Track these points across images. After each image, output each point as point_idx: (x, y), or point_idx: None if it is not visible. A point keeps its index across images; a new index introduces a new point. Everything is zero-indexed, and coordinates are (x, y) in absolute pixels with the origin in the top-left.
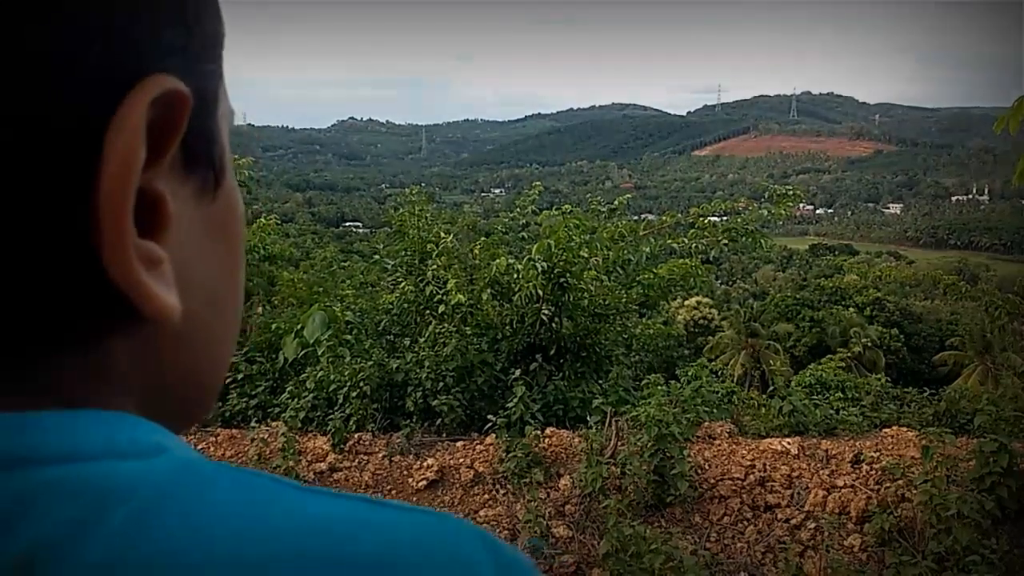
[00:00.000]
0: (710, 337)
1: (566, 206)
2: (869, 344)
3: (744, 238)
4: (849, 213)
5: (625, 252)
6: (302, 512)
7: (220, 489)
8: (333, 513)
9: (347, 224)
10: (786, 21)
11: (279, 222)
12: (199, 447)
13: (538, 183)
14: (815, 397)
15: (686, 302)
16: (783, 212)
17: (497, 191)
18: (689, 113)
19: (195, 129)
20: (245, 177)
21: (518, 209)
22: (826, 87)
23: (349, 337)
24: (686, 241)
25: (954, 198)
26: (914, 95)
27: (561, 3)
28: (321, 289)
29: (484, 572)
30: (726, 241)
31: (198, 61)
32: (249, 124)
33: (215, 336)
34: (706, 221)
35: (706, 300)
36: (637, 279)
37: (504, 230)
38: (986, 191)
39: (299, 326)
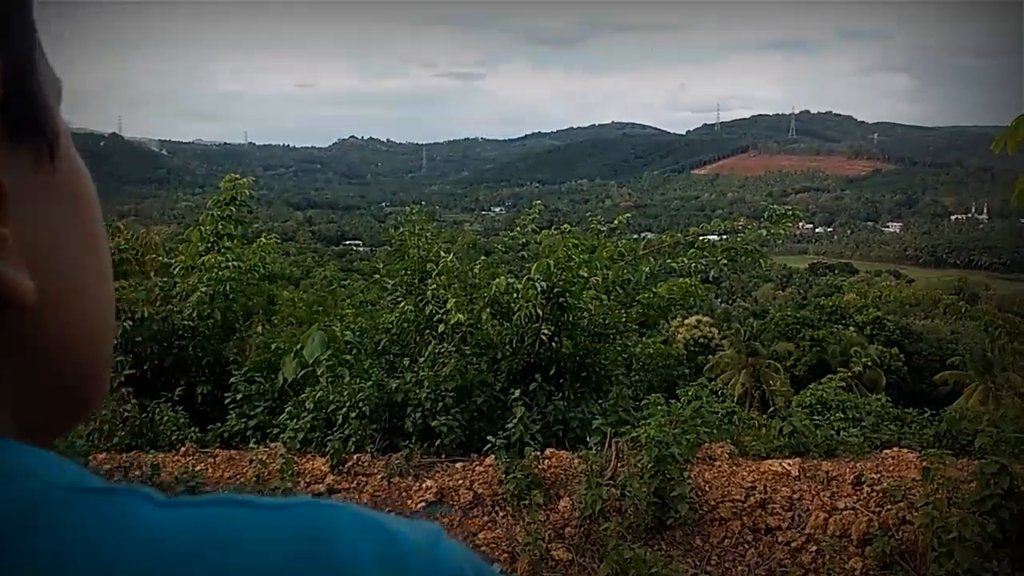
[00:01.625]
0: (710, 356)
1: (564, 225)
2: (869, 364)
3: (743, 257)
4: (849, 232)
5: (625, 271)
6: (158, 528)
7: (78, 514)
8: (184, 527)
9: (347, 242)
10: (784, 42)
11: (279, 240)
12: (198, 468)
13: (538, 202)
14: (816, 417)
15: (686, 321)
16: (782, 232)
17: (497, 209)
18: (688, 132)
19: (14, 96)
20: (246, 196)
21: (518, 228)
22: (824, 106)
23: (348, 357)
24: (685, 261)
25: (953, 217)
26: (912, 114)
27: (561, 24)
28: (320, 308)
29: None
30: (725, 261)
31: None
32: (251, 143)
33: (83, 312)
34: (705, 240)
35: (706, 319)
36: (637, 298)
37: (504, 249)
38: (985, 210)
39: (298, 346)
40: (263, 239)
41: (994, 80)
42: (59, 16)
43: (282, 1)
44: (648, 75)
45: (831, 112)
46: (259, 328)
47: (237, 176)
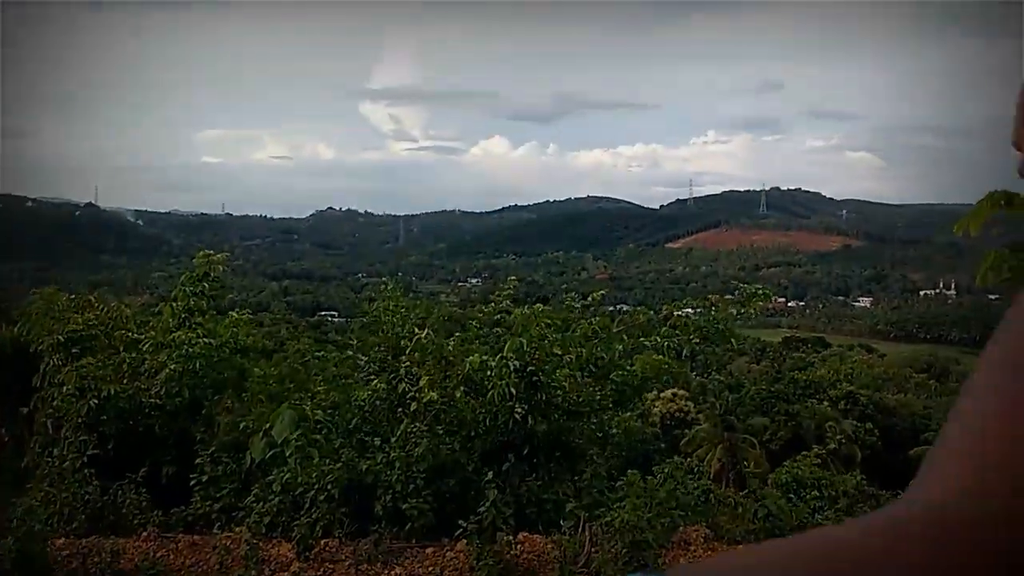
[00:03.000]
0: (686, 430)
1: (537, 306)
2: (844, 440)
3: (716, 336)
4: (820, 306)
5: (598, 349)
6: None
7: None
8: None
9: (322, 313)
10: (753, 121)
11: (252, 314)
12: (159, 555)
13: (513, 278)
14: (791, 495)
15: (662, 394)
16: (752, 311)
17: (474, 281)
18: (662, 207)
19: None
20: (219, 272)
21: (493, 304)
22: (793, 183)
23: (318, 437)
24: (659, 339)
25: (922, 292)
26: (879, 192)
27: (537, 100)
28: (292, 384)
29: None
30: (698, 339)
31: None
32: (228, 213)
33: None
34: (679, 318)
35: (682, 392)
36: (611, 376)
37: (479, 325)
38: (953, 286)
39: (267, 425)
40: (235, 314)
41: (957, 161)
42: (37, 85)
43: (264, 76)
44: (622, 150)
45: (800, 189)
46: (229, 403)
47: (211, 252)
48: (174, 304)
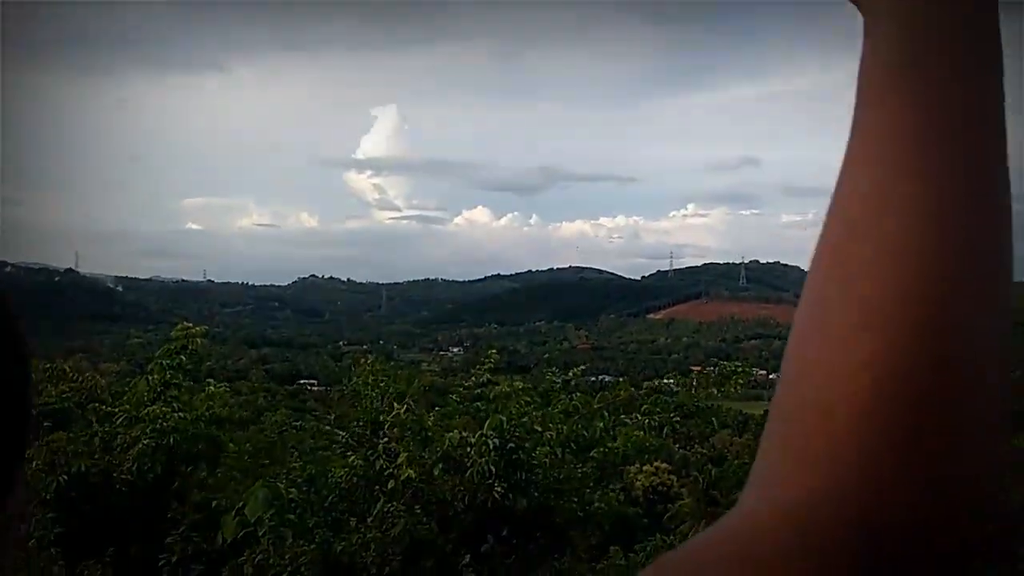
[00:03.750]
0: (669, 505)
1: (517, 383)
2: None
3: (696, 413)
4: None
5: (579, 426)
6: None
7: None
8: None
9: (302, 381)
10: (731, 195)
11: (231, 380)
12: None
13: (494, 350)
14: None
15: (644, 468)
16: (732, 390)
17: (455, 350)
18: (643, 277)
19: None
20: (198, 345)
21: (474, 378)
22: (772, 256)
23: (292, 516)
24: (640, 417)
25: None
26: None
27: (522, 172)
28: (268, 459)
29: None
30: (678, 418)
31: None
32: (209, 280)
33: None
34: (659, 399)
35: (664, 465)
36: (592, 453)
37: (459, 399)
38: None
39: (240, 503)
40: (213, 387)
41: None
42: (21, 152)
43: (251, 145)
44: (604, 222)
45: (779, 263)
46: (202, 478)
47: (189, 325)
48: (150, 377)
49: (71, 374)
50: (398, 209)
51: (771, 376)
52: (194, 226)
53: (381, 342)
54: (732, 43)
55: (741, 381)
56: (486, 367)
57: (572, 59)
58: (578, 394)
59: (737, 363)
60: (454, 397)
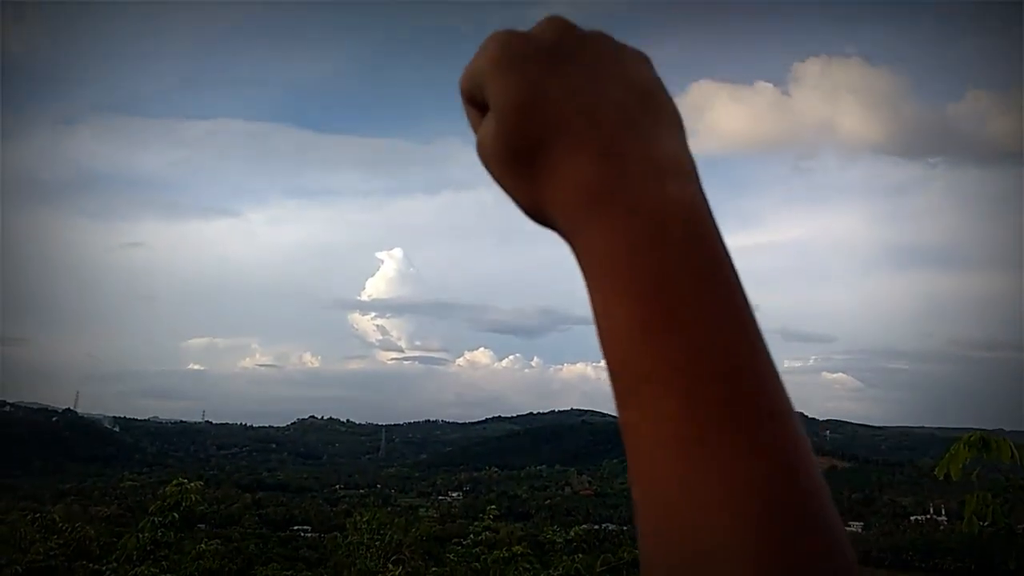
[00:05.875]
0: None
1: (516, 547)
2: None
3: None
4: None
5: None
6: None
7: None
8: None
9: (295, 527)
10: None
11: (222, 525)
12: None
13: (492, 507)
14: None
15: None
16: None
17: (455, 495)
18: None
19: None
20: (192, 502)
21: (472, 536)
22: None
23: None
24: None
25: (912, 518)
26: (859, 413)
27: (524, 315)
28: None
29: None
30: None
31: None
32: (207, 421)
33: None
34: None
35: None
36: None
37: (456, 559)
38: (943, 511)
39: None
40: (204, 544)
41: (930, 386)
42: (26, 293)
43: (256, 288)
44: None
45: None
46: None
47: (185, 480)
48: (140, 535)
49: (60, 524)
50: (401, 350)
51: None
52: (196, 367)
53: (379, 486)
54: (727, 194)
55: None
56: (484, 524)
57: None
58: (580, 555)
59: None
60: (452, 557)
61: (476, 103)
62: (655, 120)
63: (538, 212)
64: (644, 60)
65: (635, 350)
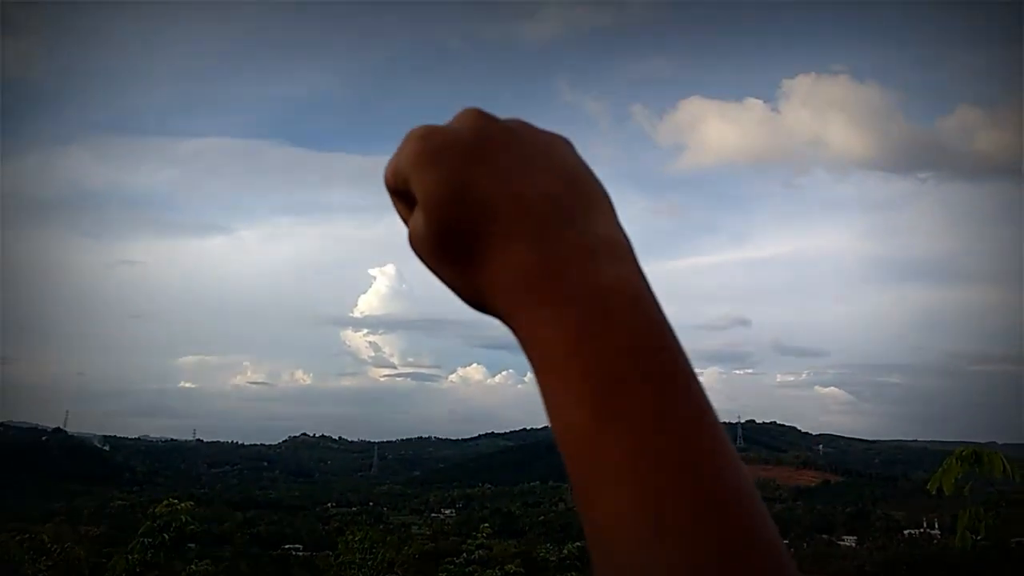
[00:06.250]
0: None
1: (509, 566)
2: None
3: None
4: (804, 545)
5: None
6: None
7: None
8: None
9: (287, 546)
10: (723, 354)
11: (213, 543)
12: None
13: (486, 525)
14: None
15: None
16: None
17: (448, 511)
18: None
19: None
20: (182, 522)
21: (465, 554)
22: (768, 416)
23: None
24: None
25: (906, 532)
26: (852, 427)
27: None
28: None
29: None
30: None
31: None
32: (198, 440)
33: None
34: None
35: None
36: None
37: None
38: (936, 525)
39: None
40: (194, 565)
41: (922, 399)
42: (19, 312)
43: (250, 310)
44: None
45: (775, 423)
46: None
47: (176, 500)
48: (129, 556)
49: (50, 544)
50: (393, 366)
51: None
52: (187, 385)
53: (371, 503)
54: (718, 209)
55: None
56: (478, 541)
57: None
58: (574, 573)
59: None
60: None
61: (402, 196)
62: (585, 204)
63: (479, 301)
64: (566, 144)
65: (589, 446)
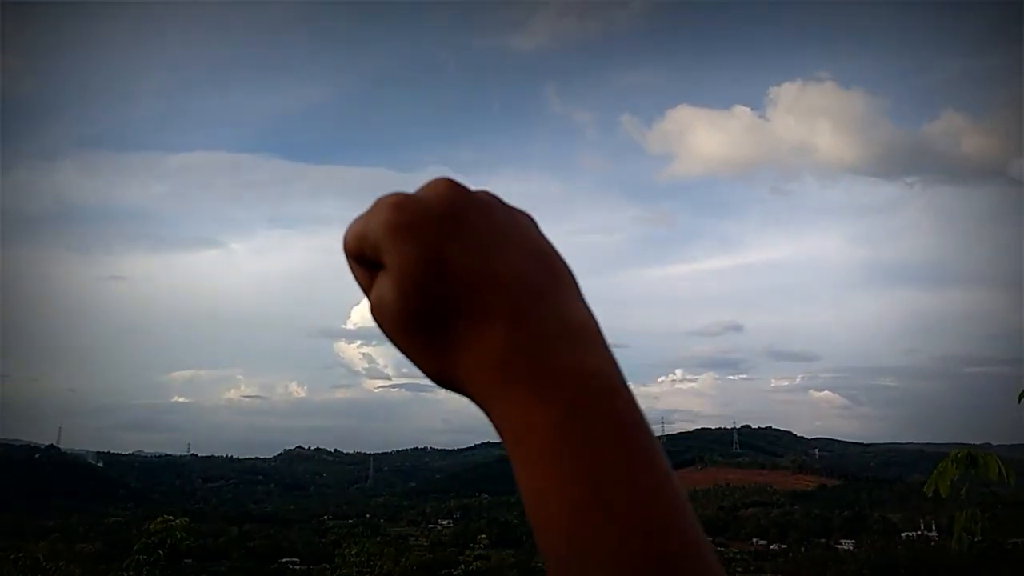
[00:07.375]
0: None
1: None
2: None
3: None
4: (802, 549)
5: None
6: None
7: None
8: None
9: (283, 560)
10: (717, 361)
11: (210, 559)
12: None
13: (483, 536)
14: None
15: None
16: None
17: (445, 522)
18: None
19: None
20: (177, 538)
21: (463, 565)
22: (763, 421)
23: None
24: None
25: (904, 534)
26: (847, 430)
27: None
28: None
29: None
30: None
31: None
32: (192, 454)
33: None
34: None
35: None
36: None
37: None
38: (933, 527)
39: None
40: None
41: (916, 402)
42: (9, 329)
43: (242, 319)
44: None
45: (771, 427)
46: None
47: (170, 517)
48: (124, 574)
49: (44, 563)
50: (388, 377)
51: (771, 547)
52: (180, 399)
53: (368, 516)
54: (708, 217)
55: (740, 568)
56: (476, 552)
57: (558, 231)
58: None
59: (735, 550)
60: None
61: (363, 262)
62: (557, 285)
63: (444, 379)
64: (531, 220)
65: (567, 534)
